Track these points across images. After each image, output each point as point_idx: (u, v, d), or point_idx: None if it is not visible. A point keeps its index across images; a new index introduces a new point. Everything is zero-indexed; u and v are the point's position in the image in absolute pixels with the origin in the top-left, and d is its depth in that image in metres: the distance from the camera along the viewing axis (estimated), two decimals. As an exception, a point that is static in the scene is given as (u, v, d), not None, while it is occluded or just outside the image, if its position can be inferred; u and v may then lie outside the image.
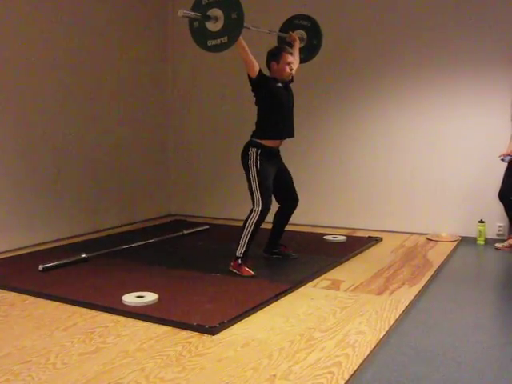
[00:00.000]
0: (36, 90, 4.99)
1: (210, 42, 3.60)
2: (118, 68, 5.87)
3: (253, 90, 3.95)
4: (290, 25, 4.55)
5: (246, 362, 2.48)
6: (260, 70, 3.84)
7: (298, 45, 4.40)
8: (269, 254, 4.37)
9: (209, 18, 3.55)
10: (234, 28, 3.51)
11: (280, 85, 3.99)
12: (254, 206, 3.92)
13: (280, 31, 4.56)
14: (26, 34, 4.87)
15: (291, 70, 3.98)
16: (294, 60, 4.04)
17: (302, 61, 4.52)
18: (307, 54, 4.56)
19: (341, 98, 5.80)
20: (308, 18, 4.55)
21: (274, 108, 3.95)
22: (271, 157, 4.04)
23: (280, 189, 4.16)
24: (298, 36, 4.44)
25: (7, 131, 4.76)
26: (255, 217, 3.89)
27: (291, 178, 4.25)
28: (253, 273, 3.90)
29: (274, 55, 3.97)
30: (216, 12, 3.53)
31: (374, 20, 5.55)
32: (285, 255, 4.35)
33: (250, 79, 3.88)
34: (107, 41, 5.72)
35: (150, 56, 6.34)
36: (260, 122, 4.03)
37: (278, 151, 4.14)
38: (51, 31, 5.09)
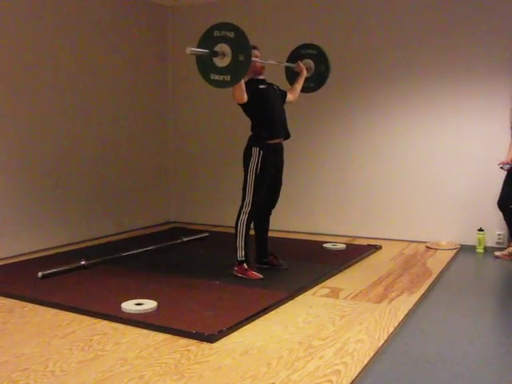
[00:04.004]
0: (35, 97, 5.00)
1: (213, 76, 3.61)
2: (117, 74, 5.89)
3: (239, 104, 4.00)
4: (297, 55, 4.61)
5: (244, 370, 2.48)
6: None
7: (304, 74, 4.44)
8: (259, 264, 4.24)
9: (216, 54, 3.56)
10: (238, 69, 3.53)
11: (263, 86, 4.04)
12: (242, 208, 4.00)
13: (287, 62, 4.60)
14: (24, 37, 4.90)
15: (261, 62, 4.04)
16: (259, 54, 4.04)
17: (312, 89, 4.64)
18: (317, 81, 4.63)
19: (341, 107, 5.81)
20: (314, 46, 4.62)
21: (264, 110, 3.99)
22: (273, 154, 4.03)
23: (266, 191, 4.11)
24: (306, 66, 4.48)
25: (7, 138, 4.77)
26: (244, 218, 3.98)
27: (281, 183, 4.21)
28: (261, 276, 3.90)
29: None
30: (224, 48, 3.54)
31: (373, 31, 5.57)
32: (275, 266, 4.25)
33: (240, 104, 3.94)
34: (106, 47, 5.74)
35: (149, 61, 6.36)
36: (254, 127, 4.05)
37: (281, 147, 4.14)
38: (50, 36, 5.12)
